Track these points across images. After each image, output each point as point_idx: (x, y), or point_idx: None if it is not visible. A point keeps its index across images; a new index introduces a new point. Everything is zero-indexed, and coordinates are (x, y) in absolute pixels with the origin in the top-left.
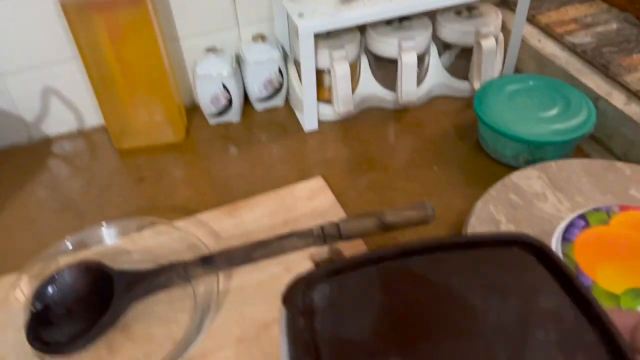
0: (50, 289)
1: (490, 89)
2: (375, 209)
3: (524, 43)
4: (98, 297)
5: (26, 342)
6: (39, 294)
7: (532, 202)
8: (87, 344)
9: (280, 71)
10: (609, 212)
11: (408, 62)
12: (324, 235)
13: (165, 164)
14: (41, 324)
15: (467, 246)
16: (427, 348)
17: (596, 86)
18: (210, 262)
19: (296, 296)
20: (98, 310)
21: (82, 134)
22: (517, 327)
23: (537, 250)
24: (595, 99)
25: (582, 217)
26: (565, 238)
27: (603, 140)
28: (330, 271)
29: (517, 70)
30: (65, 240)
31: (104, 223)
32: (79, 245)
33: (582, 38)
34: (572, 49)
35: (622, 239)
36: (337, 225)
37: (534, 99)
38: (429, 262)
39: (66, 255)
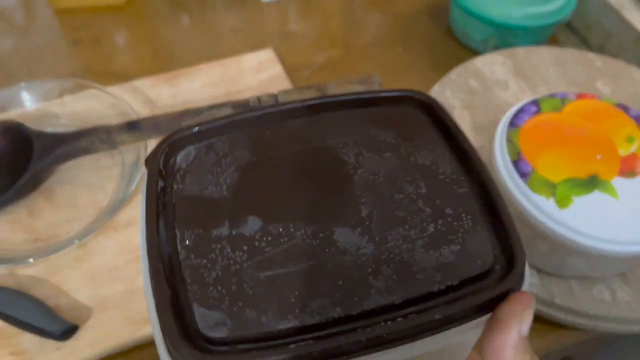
0: None
1: None
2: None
3: None
4: (17, 158)
5: None
6: None
7: (492, 89)
8: (4, 205)
9: None
10: (563, 100)
11: None
12: (261, 106)
13: (105, 26)
14: None
15: (354, 105)
16: (288, 206)
17: None
18: (136, 128)
19: (159, 158)
20: (17, 172)
21: None
22: (387, 182)
23: (426, 106)
24: None
25: (535, 102)
26: (513, 123)
27: (580, 31)
28: (200, 133)
29: None
30: None
31: (23, 83)
32: (0, 107)
33: None
34: None
35: (570, 126)
36: (275, 96)
37: None
38: (310, 122)
39: None
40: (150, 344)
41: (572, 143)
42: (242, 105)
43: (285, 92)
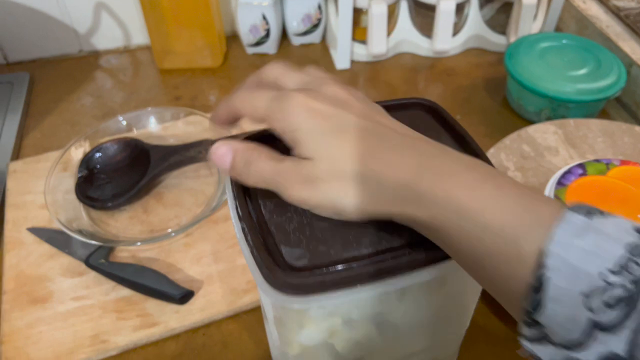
0: (95, 157)
1: (523, 44)
2: None
3: (567, 3)
4: (136, 166)
5: (75, 200)
6: (86, 161)
7: (543, 155)
8: (126, 203)
9: (319, 7)
10: (608, 165)
11: (446, 10)
12: None
13: (201, 85)
14: (88, 185)
15: None
16: None
17: (632, 51)
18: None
19: None
20: (136, 178)
21: (128, 51)
22: None
23: (431, 109)
24: (629, 64)
25: (581, 165)
26: (560, 182)
27: (630, 107)
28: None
29: (557, 29)
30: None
31: (149, 108)
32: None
33: (628, 2)
34: (616, 12)
35: (614, 189)
36: None
37: (565, 57)
38: None
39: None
40: (249, 311)
41: (615, 202)
42: None
43: None
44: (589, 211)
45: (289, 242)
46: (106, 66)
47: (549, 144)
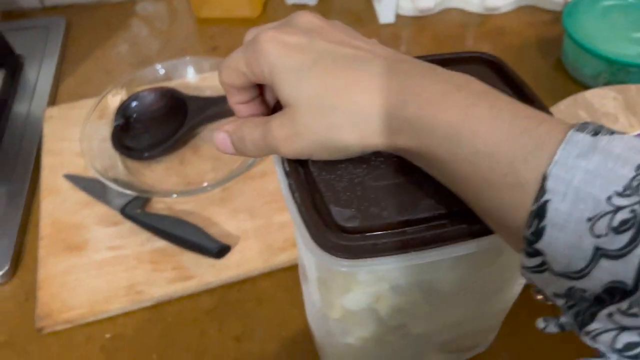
0: (132, 106)
1: (583, 1)
2: None
3: None
4: (173, 117)
5: (111, 149)
6: (123, 109)
7: (601, 121)
8: (162, 154)
9: None
10: None
11: None
12: None
13: (238, 36)
14: (124, 135)
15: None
16: None
17: None
18: None
19: None
20: (173, 128)
21: None
22: None
23: (495, 65)
24: None
25: None
26: None
27: None
28: None
29: None
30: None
31: (187, 57)
32: (158, 79)
33: None
34: None
35: None
36: None
37: (630, 17)
38: None
39: (146, 85)
40: (285, 269)
41: None
42: None
43: None
44: (596, 130)
45: (339, 202)
46: (142, 13)
47: (608, 111)
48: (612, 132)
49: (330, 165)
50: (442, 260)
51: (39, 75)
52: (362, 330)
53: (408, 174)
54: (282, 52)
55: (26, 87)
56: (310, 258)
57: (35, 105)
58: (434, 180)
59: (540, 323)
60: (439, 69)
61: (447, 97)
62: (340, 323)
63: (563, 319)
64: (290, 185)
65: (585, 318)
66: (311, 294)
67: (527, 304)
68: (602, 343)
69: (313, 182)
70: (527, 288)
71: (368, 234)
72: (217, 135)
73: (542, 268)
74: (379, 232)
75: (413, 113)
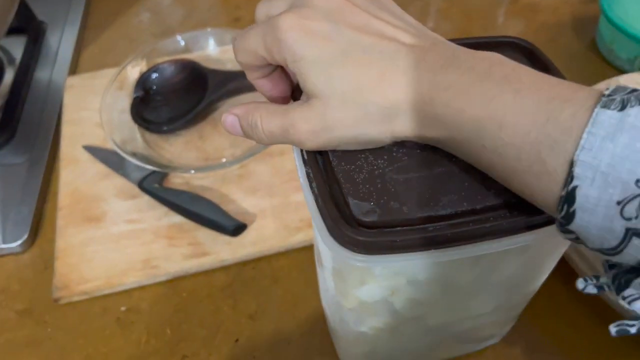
0: (152, 78)
1: None
2: None
3: None
4: (194, 91)
5: (130, 121)
6: (142, 81)
7: None
8: (182, 128)
9: None
10: None
11: None
12: None
13: None
14: (144, 106)
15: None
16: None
17: None
18: None
19: None
20: (193, 102)
21: None
22: None
23: (527, 51)
24: None
25: None
26: None
27: None
28: None
29: None
30: (176, 36)
31: (209, 29)
32: (178, 51)
33: None
34: None
35: None
36: None
37: None
38: None
39: (166, 57)
40: (300, 248)
41: None
42: None
43: None
44: (624, 102)
45: (358, 194)
46: None
47: None
48: None
49: (350, 155)
50: (464, 258)
51: (61, 43)
52: (376, 320)
53: (431, 168)
54: (307, 42)
55: (48, 55)
56: (325, 248)
57: (57, 73)
58: (458, 175)
59: (580, 283)
60: (462, 55)
61: (472, 89)
62: (354, 312)
63: (602, 280)
64: (308, 174)
65: (621, 283)
66: (326, 280)
67: (545, 293)
68: (638, 308)
69: (332, 172)
70: (548, 279)
71: (387, 229)
72: (226, 117)
73: (578, 242)
74: (399, 228)
75: (441, 109)
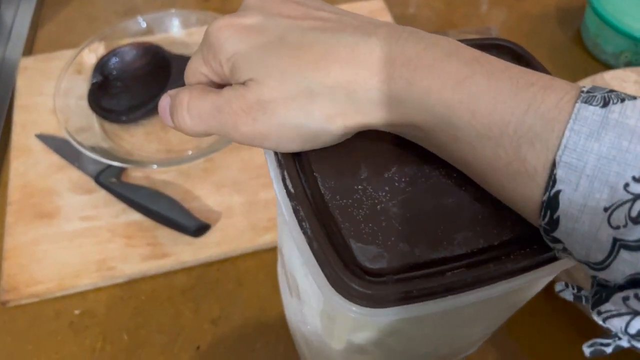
0: (111, 62)
1: None
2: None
3: None
4: (155, 77)
5: (87, 109)
6: (101, 66)
7: None
8: (143, 117)
9: None
10: None
11: None
12: None
13: None
14: (102, 94)
15: None
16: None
17: None
18: None
19: None
20: (155, 89)
21: None
22: None
23: (515, 53)
24: None
25: None
26: None
27: None
28: None
29: None
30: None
31: (173, 10)
32: (140, 32)
33: None
34: None
35: None
36: None
37: None
38: None
39: (127, 39)
40: (268, 249)
41: None
42: None
43: None
44: (605, 98)
45: (361, 236)
46: None
47: None
48: (623, 99)
49: (345, 187)
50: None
51: (15, 19)
52: (365, 358)
53: (439, 198)
54: (239, 37)
55: (1, 32)
56: (315, 290)
57: (10, 53)
58: (469, 205)
59: (558, 286)
60: (423, 32)
61: (438, 66)
62: (342, 352)
63: (583, 292)
64: (296, 211)
65: (601, 296)
66: (306, 316)
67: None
68: (613, 326)
69: (325, 207)
70: None
71: (398, 276)
72: (162, 100)
73: (565, 254)
74: (412, 275)
75: (402, 89)
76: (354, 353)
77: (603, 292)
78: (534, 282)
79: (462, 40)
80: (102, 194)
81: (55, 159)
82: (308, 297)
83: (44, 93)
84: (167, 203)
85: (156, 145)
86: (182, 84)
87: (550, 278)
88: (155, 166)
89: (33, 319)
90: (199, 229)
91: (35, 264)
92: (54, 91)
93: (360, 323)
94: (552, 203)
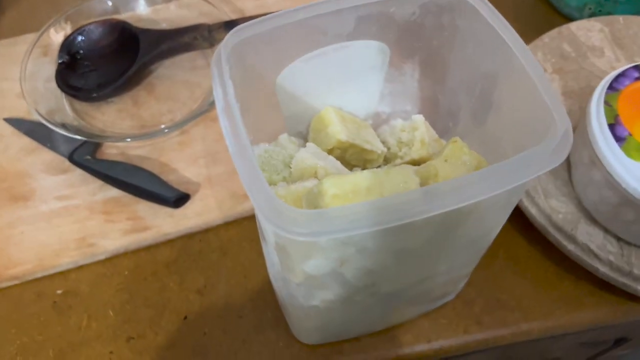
0: (78, 41)
1: None
2: None
3: None
4: (124, 53)
5: (56, 90)
6: (67, 45)
7: (586, 55)
8: (113, 94)
9: None
10: None
11: None
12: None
13: None
14: (70, 73)
15: None
16: None
17: None
18: (234, 26)
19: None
20: (124, 66)
21: None
22: None
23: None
24: None
25: (638, 68)
26: (612, 87)
27: None
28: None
29: None
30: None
31: None
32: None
33: None
34: None
35: None
36: None
37: None
38: None
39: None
40: (250, 217)
41: None
42: None
43: None
44: None
45: None
46: None
47: (593, 44)
48: None
49: None
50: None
51: None
52: (327, 293)
53: None
54: None
55: None
56: (265, 222)
57: None
58: None
59: None
60: None
61: None
62: (303, 287)
63: None
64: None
65: None
66: (270, 254)
67: (500, 246)
68: None
69: None
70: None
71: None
72: None
73: None
74: None
75: None
76: (315, 289)
77: None
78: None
79: None
80: (78, 172)
81: (26, 141)
82: (266, 232)
83: (10, 78)
84: (145, 176)
85: (129, 122)
86: (153, 58)
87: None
88: (129, 140)
89: (15, 302)
90: (179, 199)
91: (13, 247)
92: (20, 74)
93: (306, 249)
94: None
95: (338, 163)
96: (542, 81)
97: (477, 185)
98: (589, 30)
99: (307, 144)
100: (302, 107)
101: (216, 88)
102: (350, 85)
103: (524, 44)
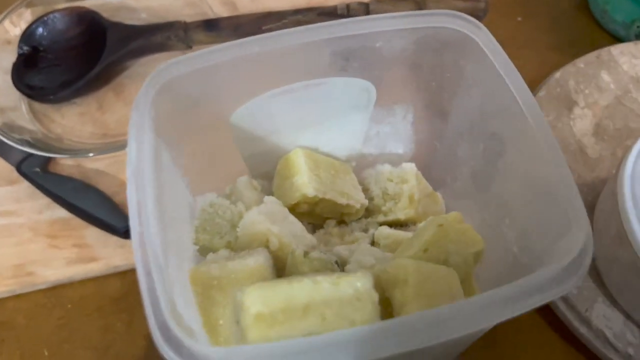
0: (39, 31)
1: None
2: None
3: None
4: (90, 48)
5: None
6: (27, 35)
7: (628, 89)
8: (75, 95)
9: None
10: None
11: None
12: (349, 15)
13: None
14: (29, 68)
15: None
16: None
17: None
18: (215, 28)
19: None
20: (89, 63)
21: None
22: None
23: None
24: None
25: None
26: None
27: None
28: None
29: None
30: None
31: None
32: None
33: None
34: None
35: None
36: (366, 6)
37: None
38: None
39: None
40: None
41: None
42: (328, 12)
43: (378, 1)
44: None
45: None
46: None
47: (638, 75)
48: None
49: None
50: None
51: None
52: None
53: None
54: None
55: None
56: None
57: None
58: None
59: None
60: None
61: None
62: None
63: None
64: None
65: None
66: None
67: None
68: None
69: None
70: None
71: None
72: None
73: None
74: None
75: None
76: None
77: None
78: None
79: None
80: (26, 185)
81: None
82: None
83: None
84: (95, 198)
85: (90, 127)
86: (120, 57)
87: None
88: (91, 154)
89: None
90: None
91: None
92: None
93: None
94: None
95: (299, 227)
96: (561, 173)
97: (455, 321)
98: (634, 57)
99: (266, 197)
100: (266, 146)
101: (131, 141)
102: (328, 124)
103: (538, 107)
